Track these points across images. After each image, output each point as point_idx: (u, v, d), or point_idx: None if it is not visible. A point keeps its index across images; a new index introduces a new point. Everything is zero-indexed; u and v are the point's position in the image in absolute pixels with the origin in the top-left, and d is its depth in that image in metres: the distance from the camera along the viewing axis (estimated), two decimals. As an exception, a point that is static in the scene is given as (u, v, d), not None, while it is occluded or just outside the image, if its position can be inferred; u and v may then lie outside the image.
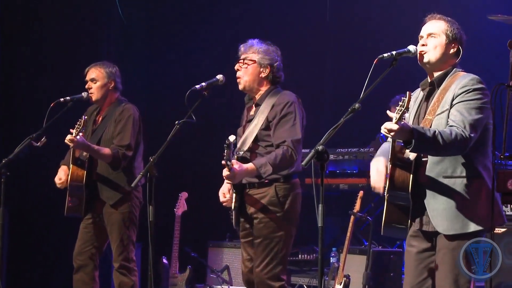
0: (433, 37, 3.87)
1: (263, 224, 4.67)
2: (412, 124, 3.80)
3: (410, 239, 3.89)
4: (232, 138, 4.52)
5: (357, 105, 3.65)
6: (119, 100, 5.72)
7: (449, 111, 3.73)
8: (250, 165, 4.58)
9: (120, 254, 5.51)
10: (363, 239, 6.87)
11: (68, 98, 5.62)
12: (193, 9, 8.35)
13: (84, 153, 5.52)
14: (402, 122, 3.54)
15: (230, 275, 6.97)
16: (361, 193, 6.20)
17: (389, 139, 3.81)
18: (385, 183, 3.77)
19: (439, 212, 3.73)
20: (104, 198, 5.53)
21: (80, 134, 5.31)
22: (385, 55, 3.82)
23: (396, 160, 3.73)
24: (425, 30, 3.92)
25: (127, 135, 5.54)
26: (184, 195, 6.83)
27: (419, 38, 3.92)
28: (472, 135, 3.65)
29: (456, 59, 3.91)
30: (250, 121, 4.83)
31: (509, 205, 5.88)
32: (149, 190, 4.42)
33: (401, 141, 3.66)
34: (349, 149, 7.17)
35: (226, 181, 4.69)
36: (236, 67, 4.83)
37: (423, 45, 3.88)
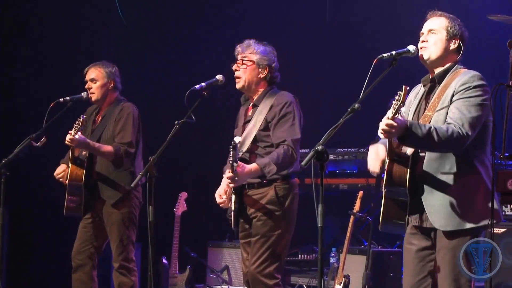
0: (434, 33, 3.86)
1: (261, 221, 4.66)
2: (412, 119, 3.79)
3: (409, 237, 3.88)
4: (237, 139, 4.53)
5: (356, 105, 3.65)
6: (118, 99, 5.72)
7: (449, 108, 3.72)
8: (253, 166, 4.57)
9: (120, 254, 5.51)
10: (363, 239, 6.86)
11: (68, 98, 5.63)
12: (193, 9, 8.34)
13: (84, 152, 5.52)
14: (400, 117, 3.53)
15: (230, 275, 6.96)
16: (360, 193, 6.20)
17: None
18: (381, 165, 3.75)
19: (436, 208, 3.72)
20: (105, 197, 5.53)
21: (79, 133, 5.30)
22: (385, 55, 3.81)
23: (394, 155, 3.73)
24: (425, 27, 3.91)
25: (128, 133, 5.54)
26: (183, 195, 6.82)
27: (420, 34, 3.92)
28: (469, 133, 3.65)
29: (458, 55, 3.90)
30: (247, 122, 4.82)
31: (509, 205, 5.88)
32: (149, 190, 4.42)
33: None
34: (349, 149, 7.16)
35: (226, 182, 4.66)
36: (234, 67, 4.81)
37: (423, 41, 3.88)
